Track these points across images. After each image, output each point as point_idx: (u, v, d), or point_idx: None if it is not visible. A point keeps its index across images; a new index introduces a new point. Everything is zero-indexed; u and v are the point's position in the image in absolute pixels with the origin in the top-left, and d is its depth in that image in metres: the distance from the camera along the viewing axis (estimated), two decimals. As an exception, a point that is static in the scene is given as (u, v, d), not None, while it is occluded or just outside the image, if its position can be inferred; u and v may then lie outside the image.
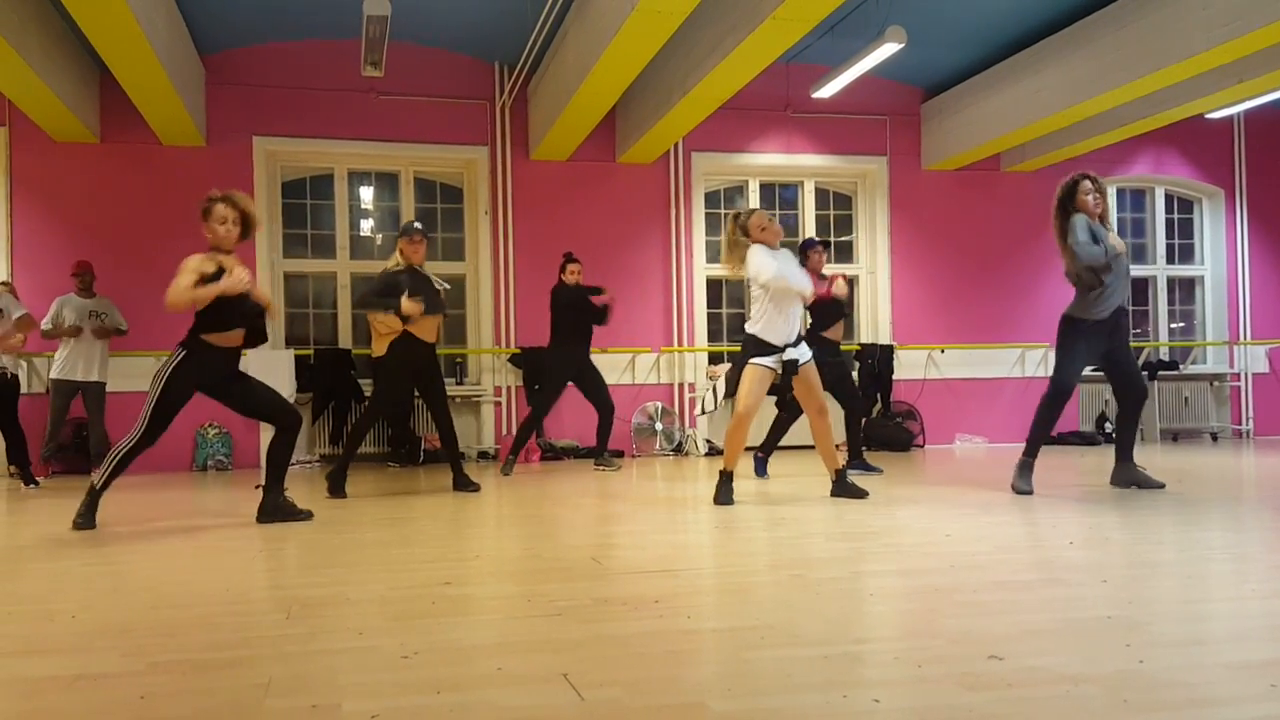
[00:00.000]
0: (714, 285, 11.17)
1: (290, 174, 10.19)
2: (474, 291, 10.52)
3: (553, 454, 9.98)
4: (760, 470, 7.32)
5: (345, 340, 10.22)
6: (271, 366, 8.75)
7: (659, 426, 10.35)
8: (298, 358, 9.54)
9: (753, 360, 5.60)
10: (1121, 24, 8.40)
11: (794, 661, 2.31)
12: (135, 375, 9.44)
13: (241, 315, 5.18)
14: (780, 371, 5.64)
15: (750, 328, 5.70)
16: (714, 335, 11.13)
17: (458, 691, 2.10)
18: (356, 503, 6.20)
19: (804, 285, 5.69)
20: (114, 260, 9.24)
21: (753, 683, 2.16)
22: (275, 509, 5.21)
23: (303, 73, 9.91)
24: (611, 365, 10.08)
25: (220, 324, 5.12)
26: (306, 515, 5.25)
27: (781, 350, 5.59)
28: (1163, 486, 5.84)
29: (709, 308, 11.03)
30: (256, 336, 5.35)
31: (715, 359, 11.04)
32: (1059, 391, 5.80)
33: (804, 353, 5.71)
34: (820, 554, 4.00)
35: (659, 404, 10.35)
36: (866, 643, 2.48)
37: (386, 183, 10.54)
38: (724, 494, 5.65)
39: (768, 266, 5.53)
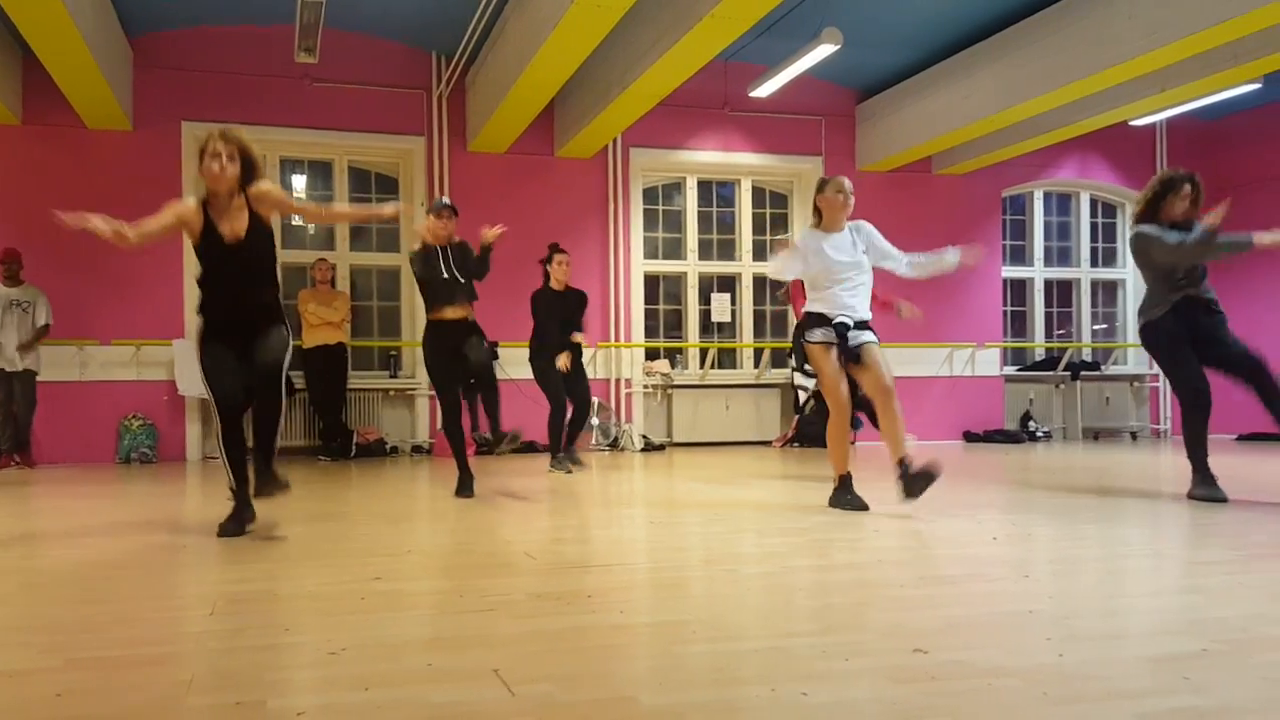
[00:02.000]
0: (651, 281, 11.20)
1: (220, 160, 9.96)
2: (409, 283, 10.40)
3: (487, 448, 9.90)
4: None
5: (275, 331, 10.03)
6: (192, 358, 8.57)
7: (595, 421, 10.34)
8: (226, 348, 9.34)
9: (808, 336, 5.12)
10: (1050, 32, 8.60)
11: (724, 656, 2.33)
12: (64, 365, 9.23)
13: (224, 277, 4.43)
14: (835, 341, 5.04)
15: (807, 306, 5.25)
16: (651, 331, 11.17)
17: (386, 688, 2.08)
18: (285, 497, 6.09)
19: (782, 272, 5.31)
20: (38, 246, 8.97)
21: (683, 677, 2.17)
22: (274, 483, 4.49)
23: (234, 57, 9.71)
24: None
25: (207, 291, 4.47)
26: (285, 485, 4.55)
27: (831, 321, 5.05)
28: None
29: (646, 303, 11.05)
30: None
31: (652, 355, 11.08)
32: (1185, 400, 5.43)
33: (864, 334, 5.11)
34: (752, 549, 4.04)
35: (596, 399, 10.33)
36: (795, 637, 2.51)
37: (320, 171, 10.38)
38: (844, 500, 5.05)
39: (786, 254, 5.21)
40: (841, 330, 5.05)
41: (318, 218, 4.61)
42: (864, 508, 4.95)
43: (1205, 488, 5.29)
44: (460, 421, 6.10)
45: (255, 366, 4.43)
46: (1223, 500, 5.18)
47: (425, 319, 6.13)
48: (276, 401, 4.53)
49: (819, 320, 5.11)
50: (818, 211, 5.21)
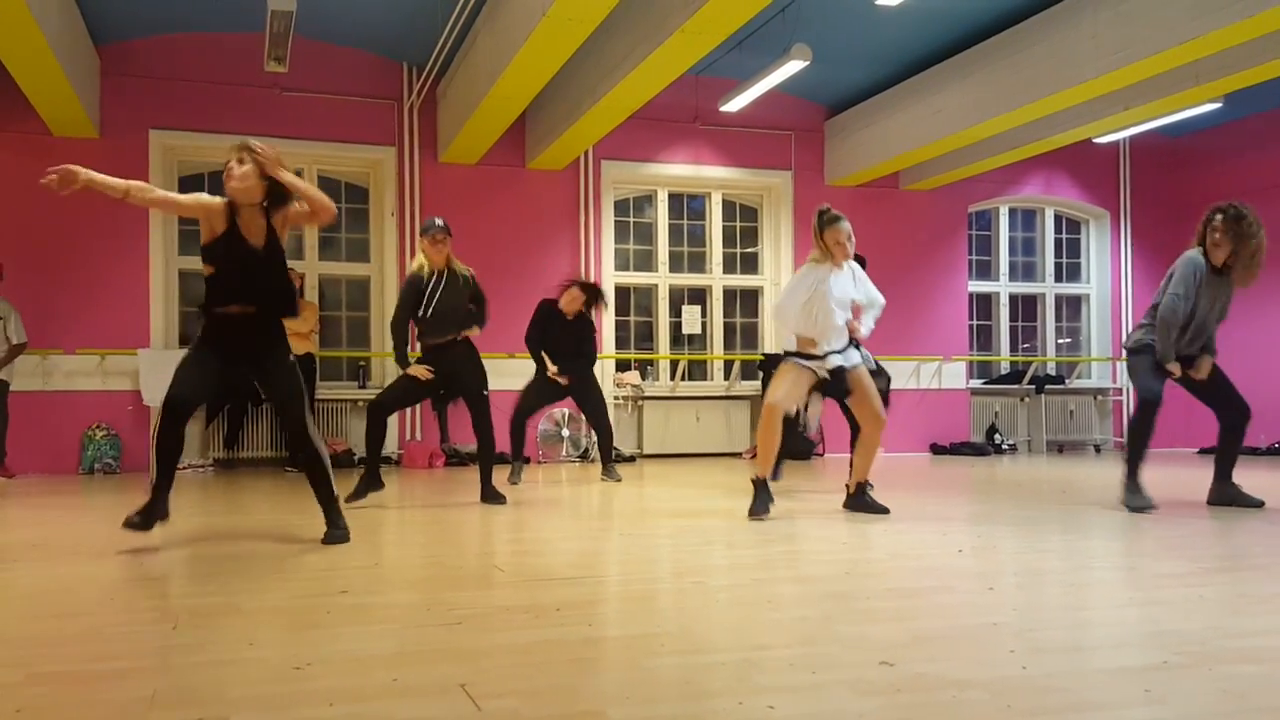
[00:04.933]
0: (622, 293, 11.22)
1: (188, 169, 9.89)
2: (378, 294, 10.36)
3: (457, 460, 9.88)
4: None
5: (243, 341, 9.95)
6: (164, 366, 8.49)
7: (565, 433, 10.33)
8: (192, 358, 9.24)
9: (791, 359, 5.28)
10: (1016, 50, 8.72)
11: (692, 669, 2.33)
12: (28, 374, 9.11)
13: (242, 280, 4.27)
14: (817, 375, 5.25)
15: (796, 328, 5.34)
16: (622, 343, 11.18)
17: (351, 703, 2.07)
18: (251, 509, 6.04)
19: (799, 326, 5.25)
20: (3, 255, 8.86)
21: (651, 690, 2.18)
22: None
23: (203, 66, 9.65)
24: (519, 371, 10.01)
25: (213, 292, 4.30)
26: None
27: (822, 358, 5.21)
28: (1261, 504, 5.58)
29: (617, 315, 11.06)
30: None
31: (623, 366, 11.08)
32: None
33: (852, 358, 5.31)
34: (721, 561, 4.05)
35: (565, 411, 10.32)
36: (763, 649, 2.52)
37: (289, 181, 10.29)
38: (759, 504, 5.17)
39: (788, 293, 5.32)
40: (839, 373, 5.19)
41: (305, 195, 4.42)
42: (766, 513, 5.13)
43: (1141, 497, 5.44)
44: (385, 423, 6.03)
45: (275, 402, 4.46)
46: (1154, 508, 5.37)
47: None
48: (312, 453, 4.53)
49: (808, 355, 5.24)
50: (821, 245, 5.24)
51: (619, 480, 7.80)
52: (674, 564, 4.02)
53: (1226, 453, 5.74)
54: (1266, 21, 6.75)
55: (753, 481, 5.26)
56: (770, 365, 5.38)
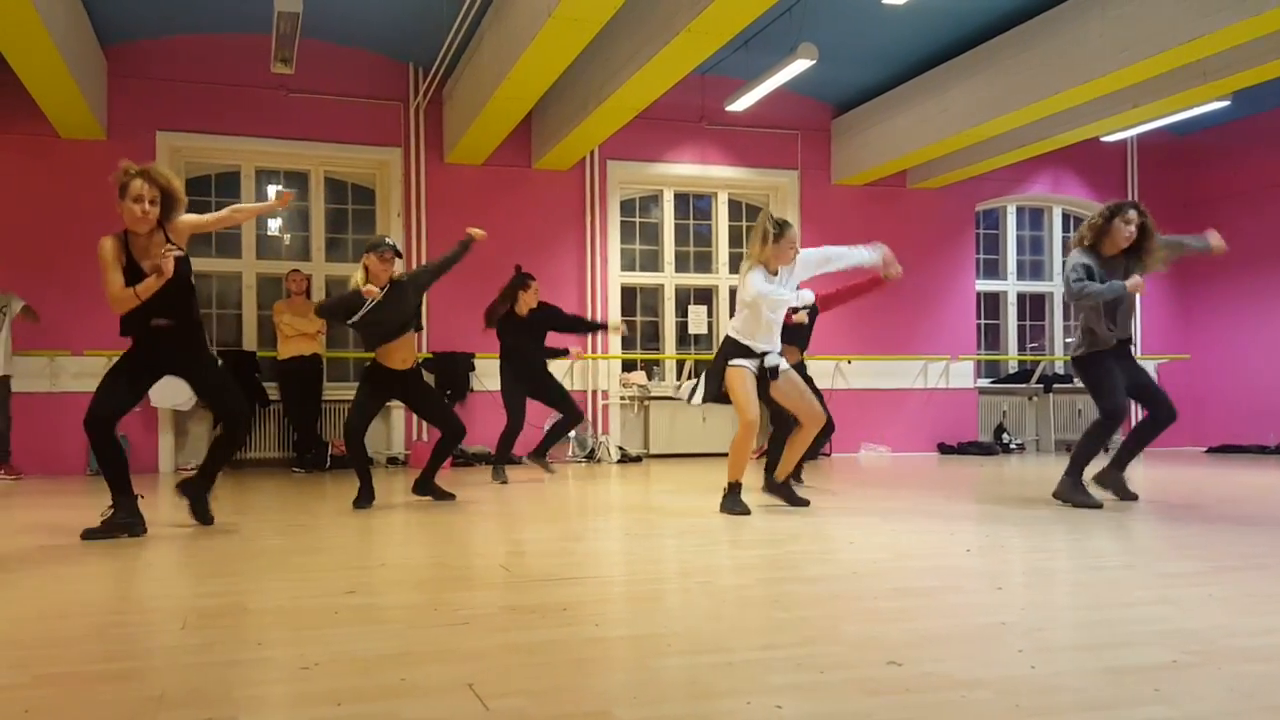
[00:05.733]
0: (629, 292, 11.22)
1: (195, 170, 9.91)
2: (384, 295, 10.36)
3: (463, 460, 9.88)
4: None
5: (250, 342, 9.99)
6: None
7: (572, 433, 10.33)
8: (199, 359, 9.27)
9: (732, 362, 5.49)
10: (1022, 49, 8.70)
11: (699, 669, 2.33)
12: (36, 375, 9.17)
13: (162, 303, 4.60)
14: (758, 375, 5.49)
15: (730, 330, 5.59)
16: (628, 343, 11.16)
17: (359, 703, 2.07)
18: (258, 509, 6.06)
19: (776, 311, 5.50)
20: (9, 255, 8.89)
21: (658, 690, 2.17)
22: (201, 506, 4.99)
23: (210, 67, 9.67)
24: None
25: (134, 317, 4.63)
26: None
27: (760, 356, 5.48)
28: (1135, 498, 5.92)
29: (623, 315, 11.06)
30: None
31: (629, 366, 11.08)
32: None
33: (781, 360, 5.60)
34: (727, 561, 4.04)
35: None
36: (770, 649, 2.51)
37: (296, 182, 10.33)
38: (732, 504, 5.44)
39: (754, 288, 5.41)
40: (771, 377, 5.50)
41: (226, 222, 4.98)
42: (748, 512, 5.35)
43: (1081, 494, 5.65)
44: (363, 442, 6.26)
45: (209, 395, 5.06)
46: (1099, 506, 5.53)
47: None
48: (244, 413, 5.08)
49: (745, 351, 5.48)
50: (769, 248, 5.43)
51: (551, 473, 8.17)
52: (680, 564, 4.02)
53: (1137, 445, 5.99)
54: (1275, 19, 6.72)
55: (728, 485, 5.51)
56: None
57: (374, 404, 6.25)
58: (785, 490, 5.80)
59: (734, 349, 5.51)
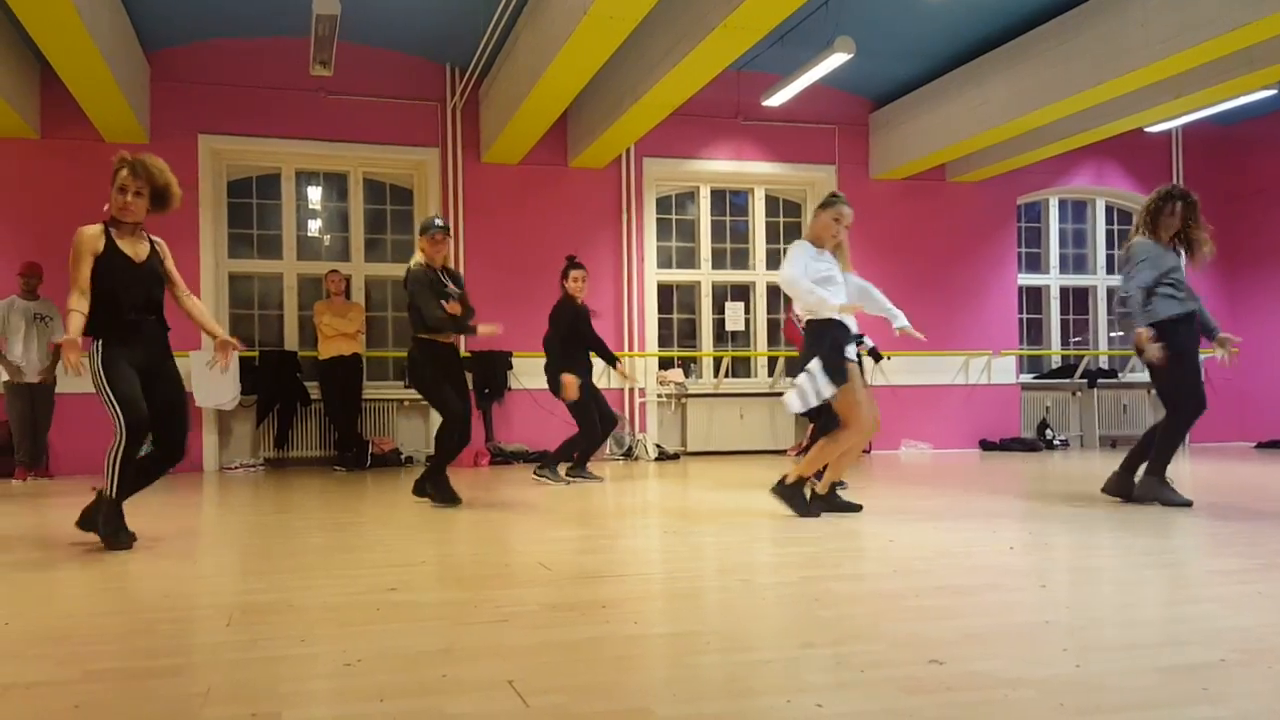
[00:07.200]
0: (665, 291, 11.21)
1: (236, 173, 10.05)
2: (423, 294, 10.44)
3: (502, 458, 9.93)
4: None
5: (291, 342, 10.10)
6: (208, 371, 8.62)
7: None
8: (242, 360, 9.40)
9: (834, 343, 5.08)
10: (1063, 39, 8.58)
11: (739, 666, 2.32)
12: (80, 377, 9.29)
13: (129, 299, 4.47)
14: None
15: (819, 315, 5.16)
16: (664, 341, 11.18)
17: (401, 699, 2.08)
18: (301, 507, 6.12)
19: (818, 304, 5.09)
20: (57, 260, 9.02)
21: (697, 688, 2.17)
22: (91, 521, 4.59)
23: (250, 71, 9.78)
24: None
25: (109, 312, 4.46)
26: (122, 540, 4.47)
27: (856, 339, 5.09)
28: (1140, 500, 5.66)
29: (660, 313, 11.06)
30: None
31: (666, 364, 11.08)
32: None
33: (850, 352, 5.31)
34: (767, 559, 4.03)
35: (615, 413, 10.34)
36: (810, 647, 2.50)
37: (335, 183, 10.43)
38: (800, 503, 5.21)
39: (785, 271, 5.24)
40: (873, 350, 5.07)
41: (183, 305, 4.83)
42: (816, 515, 5.18)
43: (1169, 491, 5.45)
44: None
45: (164, 411, 4.62)
46: (1189, 504, 5.36)
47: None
48: (184, 449, 4.80)
49: (845, 331, 5.15)
50: (820, 217, 5.34)
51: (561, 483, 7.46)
52: (719, 562, 4.01)
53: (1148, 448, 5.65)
54: (1324, 4, 6.58)
55: (797, 484, 5.20)
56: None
57: (457, 387, 6.08)
58: (829, 499, 5.36)
59: (839, 329, 5.07)
